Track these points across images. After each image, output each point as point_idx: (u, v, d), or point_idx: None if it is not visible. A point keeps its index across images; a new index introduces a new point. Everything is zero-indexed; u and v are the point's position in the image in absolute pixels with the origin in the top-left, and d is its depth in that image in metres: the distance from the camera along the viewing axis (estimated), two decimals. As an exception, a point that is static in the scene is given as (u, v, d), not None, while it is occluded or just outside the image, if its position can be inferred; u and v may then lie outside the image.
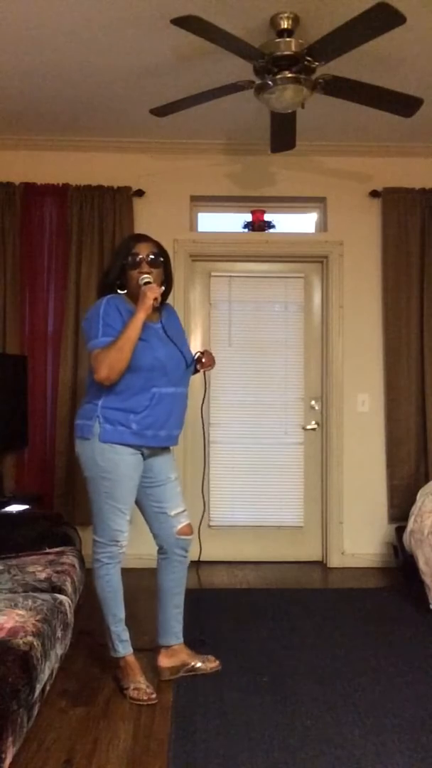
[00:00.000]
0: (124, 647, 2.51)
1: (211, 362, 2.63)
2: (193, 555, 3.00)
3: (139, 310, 2.34)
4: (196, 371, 2.64)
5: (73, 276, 4.13)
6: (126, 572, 2.58)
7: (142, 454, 2.48)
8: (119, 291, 2.48)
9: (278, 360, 4.42)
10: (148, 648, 2.72)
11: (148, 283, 2.39)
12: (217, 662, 2.66)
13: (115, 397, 2.40)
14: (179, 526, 2.58)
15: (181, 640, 2.65)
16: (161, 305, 2.52)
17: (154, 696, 2.40)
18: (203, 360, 2.61)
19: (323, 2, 2.70)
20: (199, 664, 2.62)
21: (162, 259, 2.49)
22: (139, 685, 2.43)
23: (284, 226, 4.51)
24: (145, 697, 2.39)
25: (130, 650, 2.52)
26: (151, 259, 2.45)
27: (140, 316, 2.33)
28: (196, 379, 2.72)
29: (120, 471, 2.41)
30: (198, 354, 2.63)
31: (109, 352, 2.31)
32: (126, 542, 2.48)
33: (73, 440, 4.04)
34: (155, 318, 2.48)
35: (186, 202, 4.33)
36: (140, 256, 2.44)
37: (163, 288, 2.49)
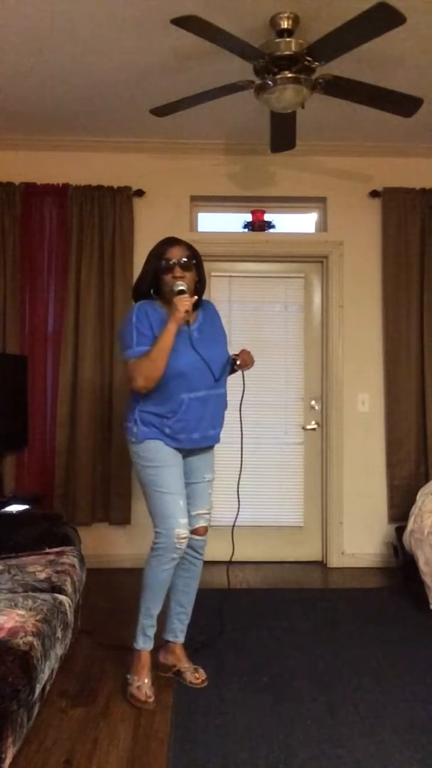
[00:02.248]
0: (144, 641, 2.49)
1: (249, 361, 2.66)
2: (225, 555, 3.01)
3: (171, 321, 2.37)
4: (234, 371, 2.66)
5: (73, 276, 4.13)
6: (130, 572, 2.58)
7: (180, 451, 2.53)
8: (153, 295, 2.54)
9: (278, 360, 4.42)
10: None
11: (182, 291, 2.41)
12: (204, 679, 2.56)
13: (150, 402, 2.47)
14: (195, 526, 2.60)
15: (180, 640, 2.64)
16: (198, 304, 2.55)
17: (151, 700, 2.39)
18: (238, 361, 2.63)
19: (323, 2, 2.70)
20: (186, 673, 2.57)
21: (195, 262, 2.51)
22: (142, 685, 2.43)
23: (284, 226, 4.51)
24: (142, 698, 2.39)
25: (149, 647, 2.50)
26: (183, 262, 2.47)
27: (172, 328, 2.36)
28: (234, 379, 2.72)
29: (160, 457, 2.46)
30: (234, 355, 2.63)
31: (144, 362, 2.37)
32: (184, 534, 2.42)
33: (73, 440, 4.14)
34: (191, 321, 2.50)
35: (186, 202, 4.33)
36: (172, 261, 2.47)
37: (195, 297, 2.50)
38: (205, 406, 2.48)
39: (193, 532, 2.58)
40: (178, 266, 2.46)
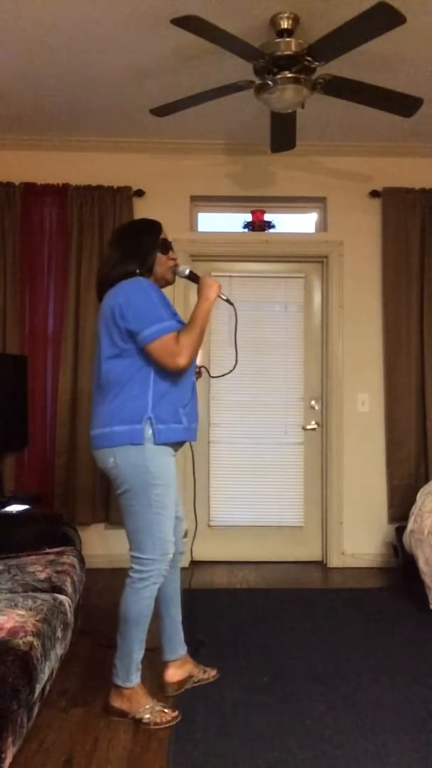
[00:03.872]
0: (137, 676, 2.27)
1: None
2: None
3: (209, 296, 2.30)
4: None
5: (73, 276, 4.13)
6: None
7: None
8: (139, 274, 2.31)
9: (278, 360, 4.42)
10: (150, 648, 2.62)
11: (193, 272, 2.39)
12: (215, 671, 2.57)
13: (161, 392, 2.21)
14: (184, 529, 2.54)
15: (186, 647, 2.53)
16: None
17: (176, 713, 2.25)
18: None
19: (323, 2, 2.71)
20: (202, 675, 2.53)
21: None
22: (156, 707, 2.25)
23: (284, 226, 4.51)
24: (170, 718, 2.22)
25: (139, 678, 2.29)
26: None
27: (208, 307, 2.29)
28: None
29: (170, 475, 2.23)
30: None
31: (193, 336, 2.20)
32: (171, 554, 2.27)
33: (73, 440, 4.13)
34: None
35: (186, 202, 4.33)
36: (170, 241, 2.39)
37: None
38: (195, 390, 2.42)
39: (184, 534, 2.53)
40: (172, 249, 2.41)
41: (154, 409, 2.18)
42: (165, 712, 2.25)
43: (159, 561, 2.21)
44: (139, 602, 2.21)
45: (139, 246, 2.31)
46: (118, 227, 2.58)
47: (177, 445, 2.32)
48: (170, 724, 2.22)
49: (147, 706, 2.24)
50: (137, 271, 2.27)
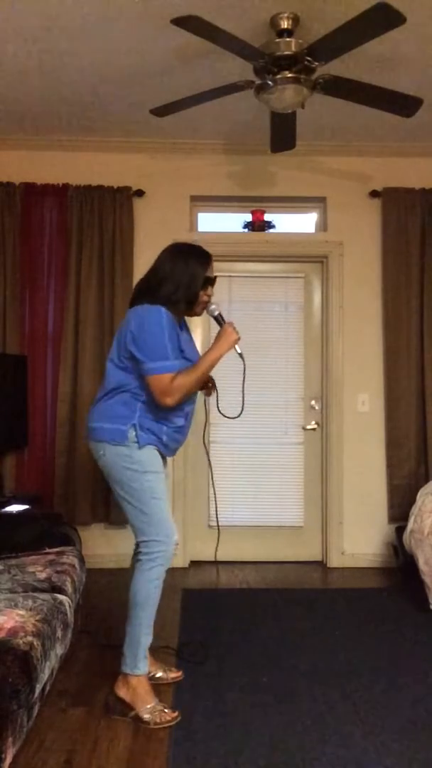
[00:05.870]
0: (144, 665, 2.31)
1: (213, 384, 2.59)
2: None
3: (221, 348, 2.33)
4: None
5: (73, 276, 4.13)
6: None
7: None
8: (173, 307, 2.34)
9: (278, 360, 4.41)
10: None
11: (221, 315, 2.41)
12: (180, 673, 2.57)
13: (150, 408, 2.33)
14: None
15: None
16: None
17: (176, 714, 2.25)
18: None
19: (323, 2, 2.70)
20: (160, 674, 2.53)
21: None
22: (157, 706, 2.27)
23: (284, 226, 4.51)
24: (169, 718, 2.24)
25: (147, 669, 2.35)
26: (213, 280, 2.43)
27: (217, 358, 2.32)
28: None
29: (157, 462, 2.36)
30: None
31: (188, 381, 2.27)
32: (178, 541, 2.36)
33: (73, 440, 4.13)
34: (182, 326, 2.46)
35: (186, 202, 4.33)
36: (212, 278, 2.41)
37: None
38: (191, 417, 2.49)
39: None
40: (211, 287, 2.41)
41: (140, 419, 2.32)
42: (165, 712, 2.26)
43: (164, 543, 2.29)
44: (146, 584, 2.28)
45: (186, 281, 2.34)
46: (175, 245, 2.50)
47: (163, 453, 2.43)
48: (170, 724, 2.22)
49: (148, 706, 2.26)
50: (173, 298, 2.32)
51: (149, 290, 2.35)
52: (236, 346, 2.40)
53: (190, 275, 2.35)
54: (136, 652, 2.30)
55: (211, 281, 2.41)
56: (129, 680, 2.31)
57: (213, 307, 2.44)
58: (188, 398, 2.38)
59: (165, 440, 2.38)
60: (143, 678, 2.32)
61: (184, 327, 2.49)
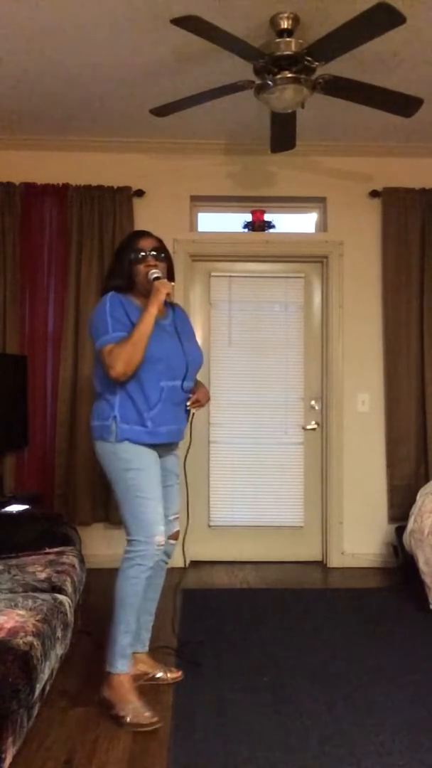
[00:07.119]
0: (123, 664, 2.32)
1: (204, 399, 2.57)
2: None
3: (152, 303, 2.34)
4: (187, 411, 2.54)
5: (73, 276, 4.13)
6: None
7: (155, 448, 2.44)
8: (121, 291, 2.44)
9: (278, 360, 4.42)
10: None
11: (158, 278, 2.39)
12: (180, 673, 2.57)
13: (127, 395, 2.37)
14: (172, 531, 2.55)
15: (147, 648, 2.58)
16: (170, 304, 2.55)
17: (155, 719, 2.21)
18: (188, 403, 2.52)
19: (323, 2, 2.70)
20: (159, 674, 2.53)
21: (164, 255, 2.49)
22: (137, 707, 2.25)
23: (284, 226, 4.51)
24: (145, 722, 2.20)
25: (128, 669, 2.34)
26: (154, 254, 2.45)
27: (153, 311, 2.33)
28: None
29: (143, 460, 2.36)
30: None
31: (125, 347, 2.29)
32: (163, 542, 2.36)
33: (73, 440, 4.13)
34: (162, 314, 2.47)
35: (186, 202, 4.33)
36: (145, 251, 2.45)
37: (173, 283, 2.50)
38: (178, 396, 2.45)
39: (170, 536, 2.53)
40: (151, 257, 2.44)
41: (120, 410, 2.37)
42: (146, 715, 2.23)
43: (144, 543, 2.32)
44: (123, 582, 2.33)
45: (120, 264, 2.48)
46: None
47: (159, 447, 2.43)
48: (149, 728, 2.19)
49: (129, 705, 2.25)
50: (115, 283, 2.46)
51: (104, 292, 2.48)
52: (149, 273, 2.40)
53: (121, 258, 2.48)
54: (114, 650, 2.32)
55: (141, 255, 2.44)
56: (110, 679, 2.33)
57: (153, 272, 2.43)
58: (162, 372, 2.37)
59: (150, 426, 2.36)
60: (124, 677, 2.32)
61: (179, 320, 2.55)
